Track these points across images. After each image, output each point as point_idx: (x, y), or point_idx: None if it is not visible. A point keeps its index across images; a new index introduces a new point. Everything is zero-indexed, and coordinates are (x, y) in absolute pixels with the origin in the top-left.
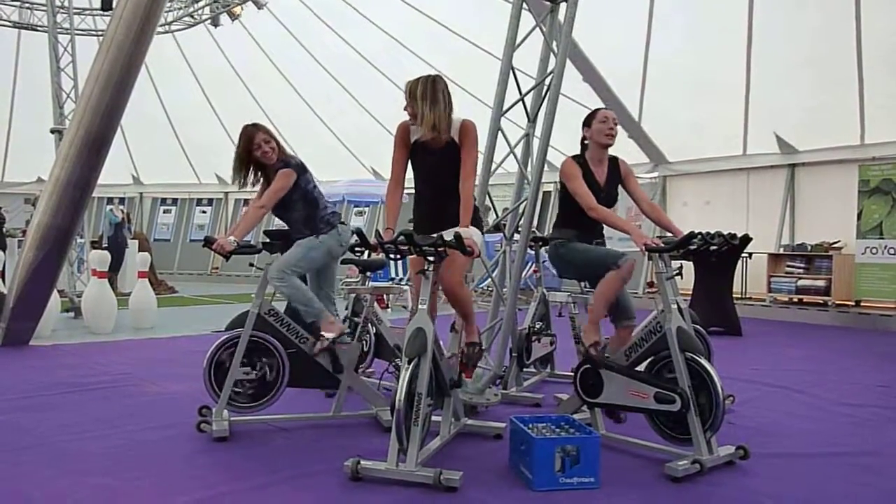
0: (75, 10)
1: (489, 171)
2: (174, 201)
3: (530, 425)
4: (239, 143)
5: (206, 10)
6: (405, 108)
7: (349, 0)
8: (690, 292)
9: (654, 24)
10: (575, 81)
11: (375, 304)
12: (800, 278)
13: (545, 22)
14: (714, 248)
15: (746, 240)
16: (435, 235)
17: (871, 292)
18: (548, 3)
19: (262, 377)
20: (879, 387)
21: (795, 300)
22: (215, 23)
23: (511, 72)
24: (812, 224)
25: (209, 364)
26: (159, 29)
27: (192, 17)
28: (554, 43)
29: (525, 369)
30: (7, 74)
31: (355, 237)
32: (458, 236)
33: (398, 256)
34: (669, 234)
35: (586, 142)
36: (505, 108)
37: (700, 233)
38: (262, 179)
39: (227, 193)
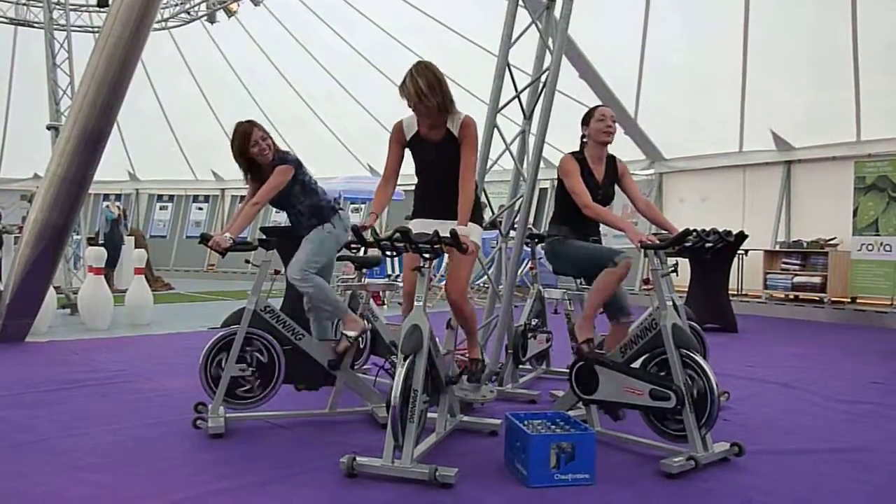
0: (71, 7)
1: (485, 167)
2: (170, 198)
3: (526, 422)
4: (234, 141)
5: (203, 6)
6: (410, 105)
7: None
8: (686, 289)
9: (651, 21)
10: (571, 78)
11: (371, 300)
12: (796, 275)
13: (541, 19)
14: (709, 245)
15: (742, 237)
16: (431, 232)
17: (866, 289)
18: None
19: (258, 374)
20: (874, 383)
21: (791, 297)
22: (212, 19)
23: (507, 69)
24: (808, 221)
25: (205, 360)
26: (155, 25)
27: (188, 13)
28: (550, 40)
29: (521, 366)
30: (3, 71)
31: (350, 234)
32: (454, 233)
33: (394, 253)
34: (665, 232)
35: (585, 139)
36: (501, 104)
37: (695, 230)
38: (249, 177)
39: (223, 190)
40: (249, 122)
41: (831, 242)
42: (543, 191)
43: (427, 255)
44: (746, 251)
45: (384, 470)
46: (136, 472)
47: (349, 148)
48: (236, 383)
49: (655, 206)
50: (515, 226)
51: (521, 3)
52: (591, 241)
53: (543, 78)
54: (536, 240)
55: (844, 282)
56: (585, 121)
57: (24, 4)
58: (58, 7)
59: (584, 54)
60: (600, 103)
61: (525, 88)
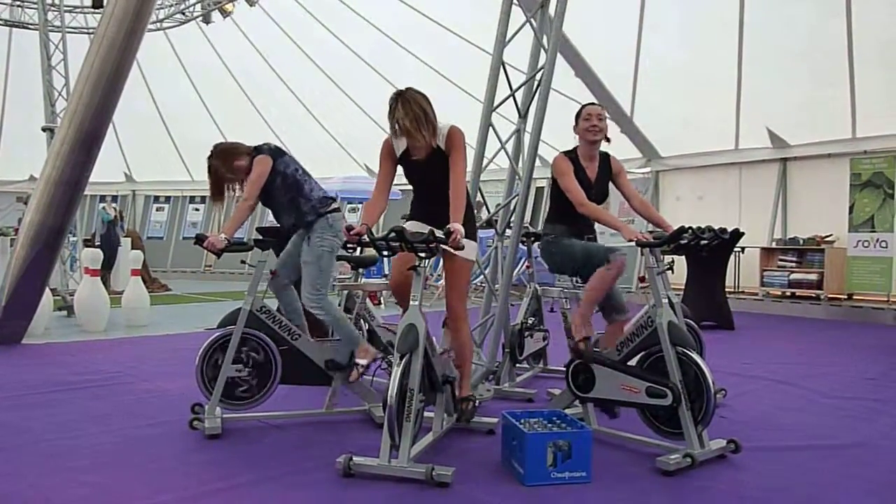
0: (66, 8)
1: (480, 166)
2: (167, 199)
3: (522, 420)
4: (213, 174)
5: (198, 7)
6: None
7: None
8: (683, 287)
9: (646, 19)
10: (566, 76)
11: (368, 300)
12: (792, 272)
13: (536, 17)
14: (705, 242)
15: (737, 234)
16: (426, 231)
17: (862, 286)
18: None
19: (254, 374)
20: (870, 379)
21: (788, 294)
22: (207, 20)
23: (502, 67)
24: (804, 218)
25: (201, 361)
26: (150, 26)
27: (183, 14)
28: (544, 38)
29: (518, 365)
30: None
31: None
32: (447, 232)
33: (390, 253)
34: (661, 230)
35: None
36: (496, 103)
37: (690, 228)
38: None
39: None
40: (219, 154)
41: (827, 239)
42: (539, 189)
43: (422, 255)
44: (743, 248)
45: (381, 469)
46: (132, 473)
47: (346, 148)
48: (233, 384)
49: (651, 204)
50: (511, 224)
51: (515, 1)
52: (587, 239)
53: (538, 76)
54: (532, 238)
55: (841, 279)
56: (575, 120)
57: (18, 6)
58: (53, 9)
59: (580, 52)
60: (594, 101)
61: (520, 87)
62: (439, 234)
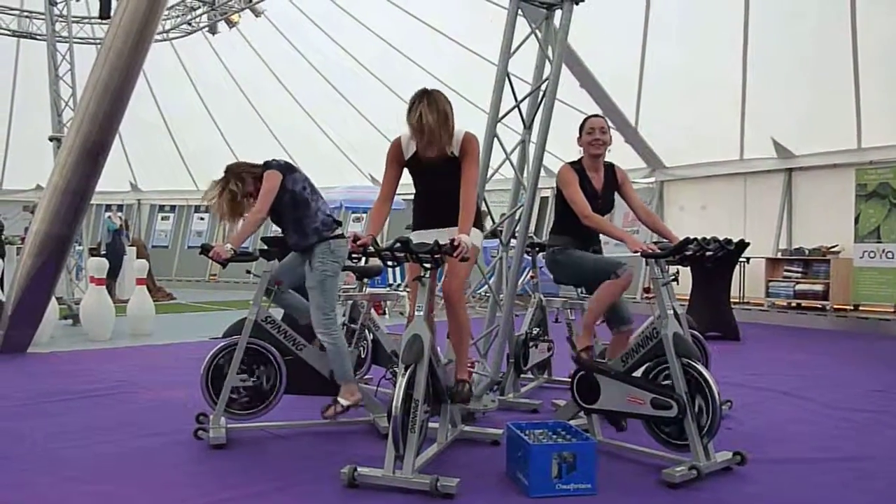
0: (74, 19)
1: (485, 176)
2: (172, 208)
3: (527, 432)
4: (226, 193)
5: (204, 17)
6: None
7: (346, 8)
8: (688, 298)
9: (651, 30)
10: (571, 87)
11: (372, 310)
12: (798, 283)
13: (540, 28)
14: (710, 253)
15: (742, 245)
16: (431, 241)
17: (869, 296)
18: (543, 9)
19: (260, 384)
20: (877, 391)
21: (793, 305)
22: (213, 30)
23: (507, 78)
24: (810, 228)
25: (206, 371)
26: (157, 37)
27: (189, 24)
28: (549, 49)
29: (522, 375)
30: (6, 83)
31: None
32: (452, 242)
33: (395, 263)
34: (666, 241)
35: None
36: (501, 114)
37: (695, 239)
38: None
39: None
40: (232, 177)
41: (833, 250)
42: (544, 199)
43: (427, 266)
44: (748, 259)
45: (385, 480)
46: (137, 483)
47: (350, 158)
48: (238, 393)
49: (656, 214)
50: (516, 235)
51: (520, 12)
52: (592, 251)
53: (543, 87)
54: (537, 248)
55: (847, 289)
56: (579, 132)
57: (26, 16)
58: (60, 19)
59: (584, 63)
60: (599, 112)
61: (525, 98)
62: (444, 244)
